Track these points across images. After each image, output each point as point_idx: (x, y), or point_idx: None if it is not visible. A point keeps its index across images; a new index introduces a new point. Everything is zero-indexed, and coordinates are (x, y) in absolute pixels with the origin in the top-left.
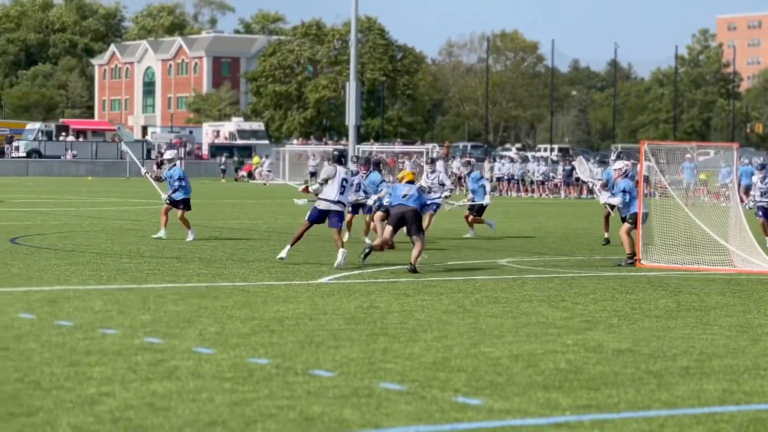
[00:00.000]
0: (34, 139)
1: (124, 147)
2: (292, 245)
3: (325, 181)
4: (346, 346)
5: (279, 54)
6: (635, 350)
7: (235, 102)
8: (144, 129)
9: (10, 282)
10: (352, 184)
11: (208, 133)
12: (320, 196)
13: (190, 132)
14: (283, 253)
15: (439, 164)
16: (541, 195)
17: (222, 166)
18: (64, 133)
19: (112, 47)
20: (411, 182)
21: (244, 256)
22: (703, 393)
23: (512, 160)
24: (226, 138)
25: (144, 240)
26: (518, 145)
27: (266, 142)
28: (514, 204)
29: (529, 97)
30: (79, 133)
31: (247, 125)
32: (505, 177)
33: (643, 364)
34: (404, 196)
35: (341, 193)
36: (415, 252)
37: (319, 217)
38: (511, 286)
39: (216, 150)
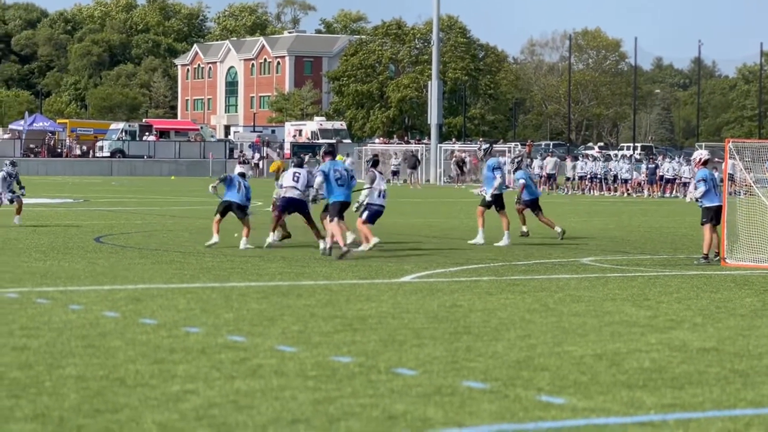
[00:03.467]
0: (118, 139)
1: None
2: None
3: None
4: (429, 344)
5: (361, 53)
6: (720, 349)
7: (317, 101)
8: (227, 128)
9: (95, 280)
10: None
11: (290, 132)
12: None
13: (273, 131)
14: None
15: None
16: (624, 194)
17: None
18: (147, 133)
19: (195, 47)
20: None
21: (328, 255)
22: None
23: (595, 159)
24: (308, 137)
25: (226, 239)
26: (600, 143)
27: (348, 141)
28: (596, 203)
29: (612, 96)
30: (162, 132)
31: (329, 124)
32: (588, 175)
33: (729, 363)
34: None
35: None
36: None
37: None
38: (594, 284)
39: (298, 149)
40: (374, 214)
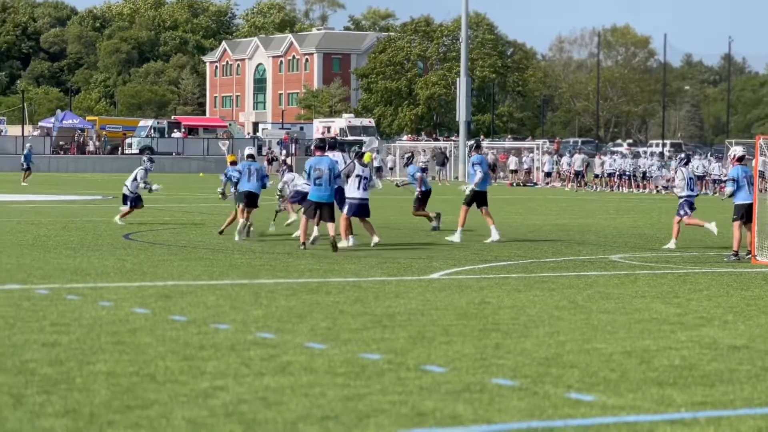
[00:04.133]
0: (147, 136)
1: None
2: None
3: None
4: (458, 341)
5: (389, 50)
6: (751, 347)
7: (345, 98)
8: (255, 125)
9: (125, 277)
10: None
11: (319, 129)
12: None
13: (301, 128)
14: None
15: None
16: (653, 191)
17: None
18: (175, 130)
19: (224, 44)
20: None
21: (356, 252)
22: None
23: (623, 156)
24: (336, 134)
25: (255, 235)
26: (629, 140)
27: (376, 138)
28: (626, 199)
29: (641, 93)
30: (190, 129)
31: (358, 121)
32: (617, 173)
33: (759, 361)
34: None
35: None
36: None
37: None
38: (624, 282)
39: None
40: (354, 208)
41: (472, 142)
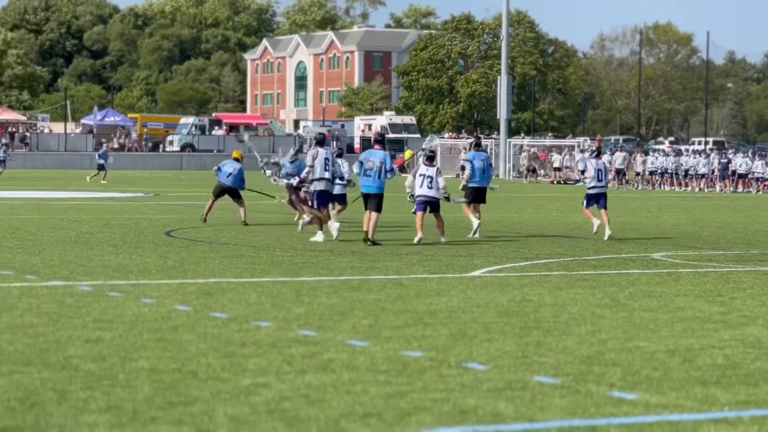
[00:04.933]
0: (188, 134)
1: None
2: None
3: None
4: (500, 339)
5: (430, 48)
6: None
7: (386, 96)
8: (296, 123)
9: (166, 274)
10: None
11: (360, 127)
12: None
13: (342, 126)
14: (320, 237)
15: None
16: (695, 189)
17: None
18: (216, 128)
19: (264, 42)
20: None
21: (397, 249)
22: None
23: (665, 154)
24: (377, 132)
25: (297, 233)
26: (671, 138)
27: (417, 135)
28: (667, 197)
29: (683, 90)
30: (231, 127)
31: (399, 119)
32: (659, 170)
33: None
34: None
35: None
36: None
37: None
38: (666, 280)
39: (368, 144)
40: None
41: (472, 139)
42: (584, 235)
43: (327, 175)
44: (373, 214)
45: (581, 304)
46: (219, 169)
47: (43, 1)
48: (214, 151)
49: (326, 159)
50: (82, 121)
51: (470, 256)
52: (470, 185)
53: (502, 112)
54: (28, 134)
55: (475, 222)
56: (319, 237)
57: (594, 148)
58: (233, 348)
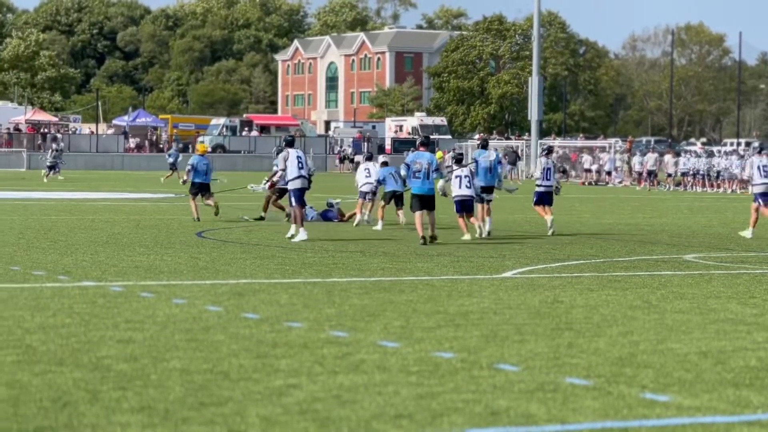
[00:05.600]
0: (219, 134)
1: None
2: (301, 226)
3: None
4: (531, 340)
5: (461, 49)
6: None
7: (417, 97)
8: (327, 124)
9: (198, 275)
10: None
11: (391, 128)
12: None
13: (373, 127)
14: (303, 236)
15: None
16: (728, 190)
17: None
18: (247, 128)
19: (296, 43)
20: None
21: (429, 250)
22: None
23: (697, 155)
24: (408, 133)
25: (328, 234)
26: (703, 139)
27: (449, 137)
28: (699, 199)
29: (715, 91)
30: (262, 128)
31: (430, 120)
32: (691, 172)
33: None
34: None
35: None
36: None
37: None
38: (698, 282)
39: (399, 145)
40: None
41: (479, 141)
42: (615, 236)
43: (303, 172)
44: (431, 214)
45: (613, 305)
46: (192, 169)
47: (75, 3)
48: (244, 152)
49: (298, 158)
50: (114, 122)
51: (501, 258)
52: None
53: (534, 113)
54: (59, 135)
55: (481, 225)
56: (302, 235)
57: (545, 147)
58: (265, 349)
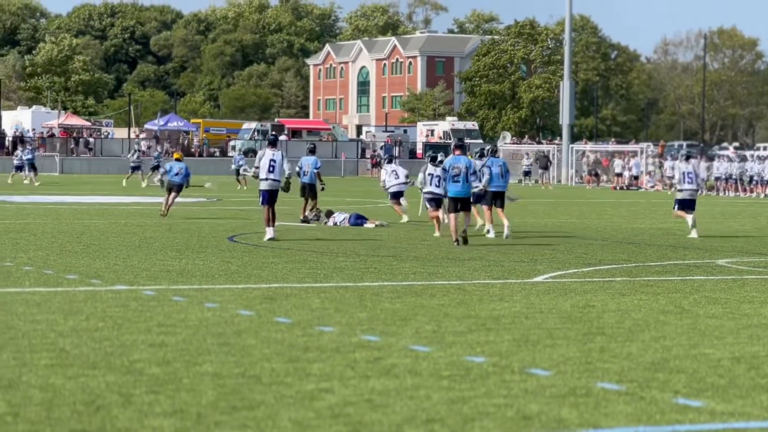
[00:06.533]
0: (250, 139)
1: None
2: (272, 226)
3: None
4: (563, 345)
5: (493, 53)
6: None
7: (449, 101)
8: (358, 128)
9: (230, 279)
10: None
11: (423, 132)
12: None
13: (405, 131)
14: (270, 234)
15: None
16: (760, 195)
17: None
18: (273, 133)
19: (327, 47)
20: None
21: (460, 254)
22: None
23: (730, 159)
24: (440, 137)
25: (360, 238)
26: (736, 143)
27: (480, 141)
28: (732, 204)
29: (748, 95)
30: (294, 132)
31: (461, 124)
32: (723, 176)
33: None
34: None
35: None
36: None
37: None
38: (731, 286)
39: (430, 149)
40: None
41: (488, 147)
42: (647, 240)
43: (272, 176)
44: (466, 215)
45: (645, 310)
46: (167, 171)
47: (108, 8)
48: None
49: (272, 160)
50: (146, 126)
51: (533, 262)
52: (490, 189)
53: (565, 118)
54: (92, 139)
55: (491, 229)
56: (269, 234)
57: (485, 149)
58: (297, 353)
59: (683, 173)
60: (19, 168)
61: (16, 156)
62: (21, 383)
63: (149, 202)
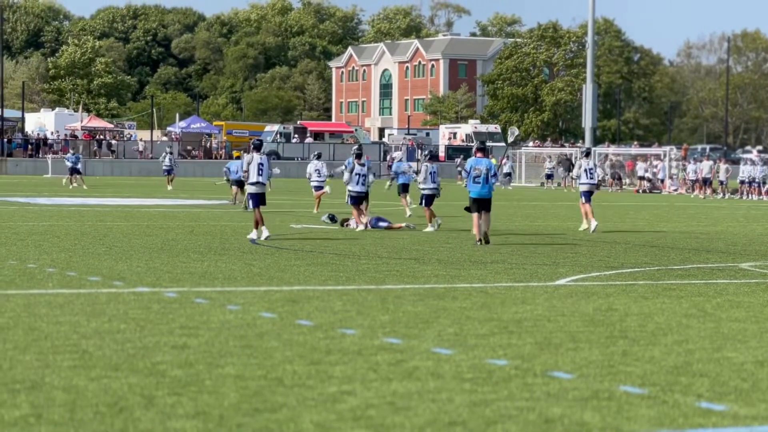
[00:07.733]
0: (273, 141)
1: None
2: (262, 227)
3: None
4: (585, 348)
5: (515, 56)
6: None
7: (471, 104)
8: (381, 131)
9: (252, 282)
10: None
11: (445, 135)
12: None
13: (427, 134)
14: (254, 235)
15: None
16: None
17: (459, 168)
18: (298, 136)
19: (350, 50)
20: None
21: (482, 257)
22: None
23: (753, 163)
24: (462, 140)
25: (382, 241)
26: (759, 147)
27: (502, 144)
28: (755, 207)
29: None
30: (316, 134)
31: (484, 127)
32: (747, 180)
33: None
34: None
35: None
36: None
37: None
38: (755, 290)
39: (453, 152)
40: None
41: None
42: (670, 244)
43: (261, 179)
44: (487, 215)
45: (668, 313)
46: (228, 169)
47: (131, 10)
48: (298, 159)
49: (260, 164)
50: (168, 128)
51: (555, 265)
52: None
53: (587, 121)
54: (114, 141)
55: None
56: (260, 234)
57: (426, 153)
58: (319, 355)
59: (584, 169)
60: (75, 171)
61: (67, 158)
62: (44, 384)
63: (172, 204)
